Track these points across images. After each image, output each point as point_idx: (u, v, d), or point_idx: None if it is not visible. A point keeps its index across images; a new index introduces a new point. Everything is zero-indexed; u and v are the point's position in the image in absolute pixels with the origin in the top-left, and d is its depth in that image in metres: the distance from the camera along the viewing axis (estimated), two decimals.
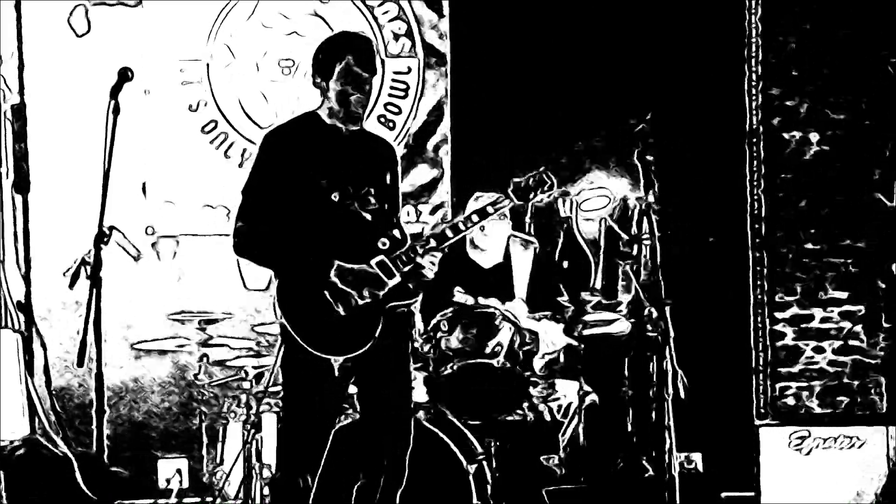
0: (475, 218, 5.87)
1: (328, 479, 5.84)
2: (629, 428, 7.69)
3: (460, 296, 7.16)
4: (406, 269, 5.73)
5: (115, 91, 6.01)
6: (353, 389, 5.91)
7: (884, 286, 8.39)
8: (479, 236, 7.37)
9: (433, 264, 5.77)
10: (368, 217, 5.78)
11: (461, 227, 5.84)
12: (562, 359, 7.20)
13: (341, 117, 5.80)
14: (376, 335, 5.70)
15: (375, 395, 5.82)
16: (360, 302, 5.68)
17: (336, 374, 5.72)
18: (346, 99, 5.76)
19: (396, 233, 5.83)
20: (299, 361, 5.74)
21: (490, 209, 5.88)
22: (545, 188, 5.91)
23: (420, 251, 5.74)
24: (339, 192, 5.74)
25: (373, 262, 5.71)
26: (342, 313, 5.68)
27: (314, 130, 5.82)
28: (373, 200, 5.80)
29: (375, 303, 5.70)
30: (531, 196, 5.91)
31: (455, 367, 6.73)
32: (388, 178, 5.93)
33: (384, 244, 5.75)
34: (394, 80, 8.67)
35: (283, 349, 5.83)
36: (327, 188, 5.73)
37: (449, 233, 5.80)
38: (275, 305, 5.73)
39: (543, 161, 5.97)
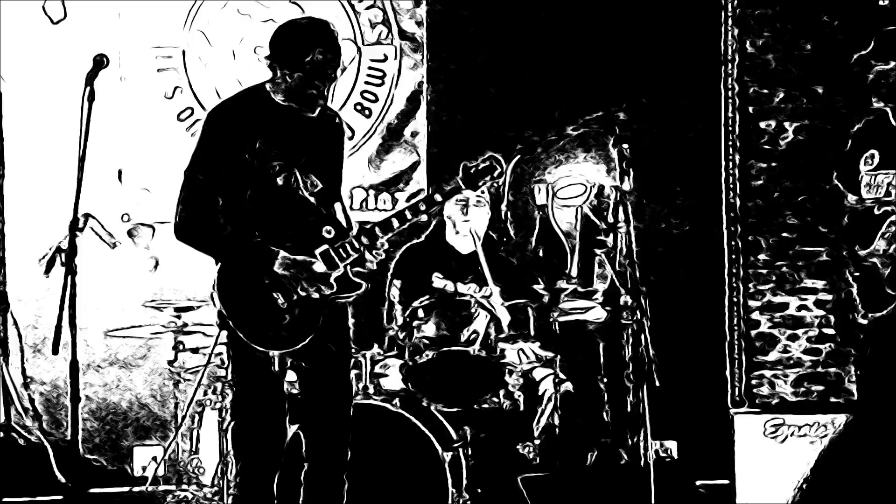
0: (422, 206, 5.75)
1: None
2: (604, 416, 7.70)
3: (439, 281, 7.16)
4: (350, 259, 5.63)
5: (90, 78, 5.97)
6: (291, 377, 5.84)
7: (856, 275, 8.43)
8: (460, 222, 7.38)
9: (378, 254, 5.67)
10: (312, 200, 5.64)
11: (407, 215, 5.72)
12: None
13: (296, 104, 5.64)
14: (317, 329, 5.59)
15: (315, 384, 5.72)
16: (314, 294, 5.55)
17: (276, 366, 5.61)
18: (309, 92, 5.60)
19: (341, 217, 5.73)
20: (241, 350, 5.63)
21: (437, 197, 5.79)
22: (494, 175, 5.85)
23: (365, 241, 5.64)
24: (284, 174, 5.59)
25: (317, 251, 5.59)
26: (283, 305, 5.58)
27: (260, 108, 5.63)
28: (318, 183, 5.66)
29: (320, 295, 5.60)
30: (479, 183, 5.85)
31: (431, 355, 6.73)
32: (334, 156, 5.79)
33: (329, 233, 5.64)
34: (370, 68, 8.66)
35: (227, 337, 5.71)
36: (273, 170, 5.57)
37: (395, 222, 5.69)
38: (213, 294, 5.60)
39: (521, 148, 5.96)
